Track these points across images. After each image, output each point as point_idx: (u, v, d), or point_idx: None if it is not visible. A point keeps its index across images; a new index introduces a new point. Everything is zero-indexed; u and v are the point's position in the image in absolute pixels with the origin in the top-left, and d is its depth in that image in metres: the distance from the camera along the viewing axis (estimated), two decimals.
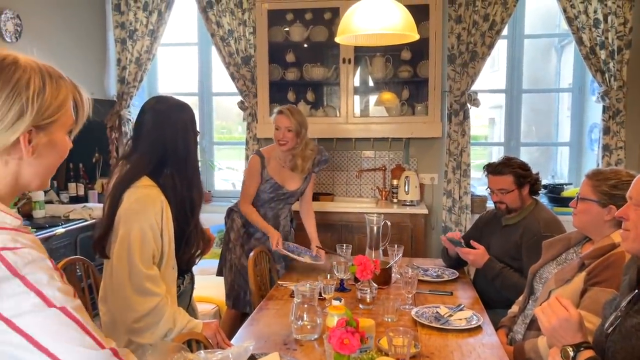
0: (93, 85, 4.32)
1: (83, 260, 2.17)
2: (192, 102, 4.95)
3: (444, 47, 3.97)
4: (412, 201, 3.91)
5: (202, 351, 1.01)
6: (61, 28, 3.87)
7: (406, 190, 3.91)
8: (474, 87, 4.03)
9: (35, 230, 2.96)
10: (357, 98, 4.13)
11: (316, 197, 4.09)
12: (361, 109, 4.20)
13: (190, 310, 2.02)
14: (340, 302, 1.81)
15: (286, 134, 2.88)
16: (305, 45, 4.17)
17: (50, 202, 3.74)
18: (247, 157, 4.27)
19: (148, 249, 1.69)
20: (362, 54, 4.04)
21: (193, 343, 1.65)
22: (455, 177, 4.07)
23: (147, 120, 1.82)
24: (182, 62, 4.95)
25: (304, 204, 3.18)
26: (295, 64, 4.16)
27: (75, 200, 3.95)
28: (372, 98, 4.23)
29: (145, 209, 1.71)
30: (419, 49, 3.92)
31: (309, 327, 1.79)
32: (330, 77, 4.13)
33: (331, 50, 4.13)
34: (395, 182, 4.05)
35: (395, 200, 4.03)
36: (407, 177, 3.93)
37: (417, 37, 2.12)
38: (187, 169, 1.83)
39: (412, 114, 4.04)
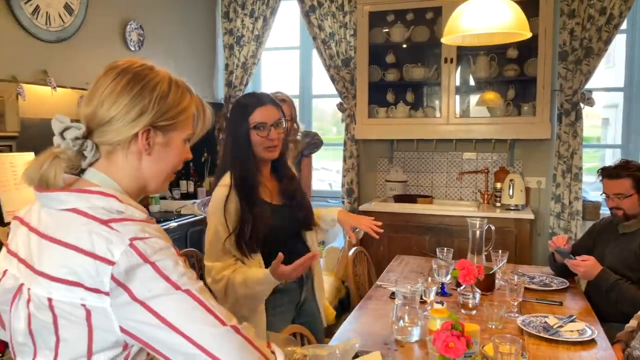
0: (203, 89, 4.60)
1: (196, 252, 2.32)
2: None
3: (555, 43, 3.76)
4: (516, 205, 3.74)
5: (311, 346, 1.04)
6: (177, 36, 4.16)
7: (510, 194, 3.75)
8: (587, 86, 3.78)
9: None
10: (458, 98, 4.03)
11: (414, 199, 4.05)
12: (463, 110, 4.09)
13: None
14: (442, 305, 1.78)
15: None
16: (406, 46, 4.15)
17: (164, 197, 4.04)
18: (344, 158, 4.33)
19: (217, 246, 1.82)
20: (465, 53, 3.94)
21: (297, 336, 1.71)
22: (565, 181, 3.84)
23: None
24: (283, 66, 5.11)
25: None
26: (395, 65, 4.15)
27: (185, 196, 4.22)
28: (474, 98, 4.11)
29: (216, 208, 1.84)
30: (527, 47, 3.75)
31: (409, 328, 1.78)
32: (430, 77, 4.06)
33: (432, 50, 4.07)
34: (498, 185, 3.90)
35: (498, 204, 3.88)
36: (511, 180, 3.77)
37: (529, 35, 2.02)
38: (233, 165, 1.89)
39: (518, 115, 3.87)
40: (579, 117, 3.80)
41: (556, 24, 3.74)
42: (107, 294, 0.88)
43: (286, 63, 5.07)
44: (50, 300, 0.90)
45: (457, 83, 4.02)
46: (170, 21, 4.05)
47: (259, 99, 1.91)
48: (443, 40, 1.95)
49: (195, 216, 3.66)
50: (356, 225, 2.13)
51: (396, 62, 4.15)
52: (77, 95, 3.09)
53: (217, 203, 1.85)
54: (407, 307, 1.77)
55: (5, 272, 1.00)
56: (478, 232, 2.55)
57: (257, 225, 1.81)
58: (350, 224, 2.13)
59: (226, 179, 1.88)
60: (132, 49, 3.50)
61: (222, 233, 1.82)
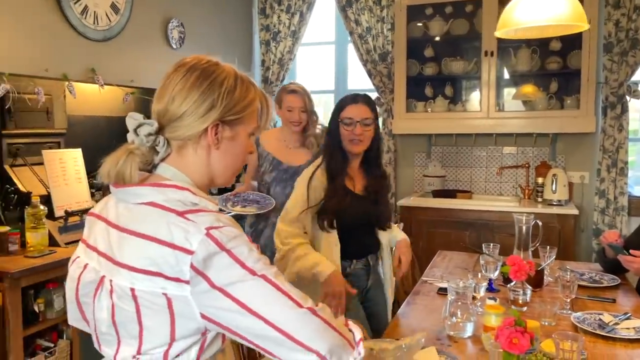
0: None
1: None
2: (329, 99, 5.10)
3: (600, 35, 3.66)
4: (559, 201, 3.67)
5: (377, 340, 1.05)
6: (215, 33, 4.21)
7: (553, 189, 3.68)
8: (634, 78, 3.68)
9: None
10: (498, 92, 3.96)
11: (453, 194, 4.01)
12: (503, 103, 4.02)
13: None
14: (495, 301, 1.77)
15: (301, 115, 2.76)
16: (444, 39, 4.10)
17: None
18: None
19: (293, 213, 2.10)
20: (506, 46, 3.87)
21: None
22: (610, 176, 3.75)
23: None
24: (318, 61, 5.12)
25: None
26: (433, 59, 4.11)
27: (223, 190, 4.26)
28: (515, 92, 4.04)
29: (301, 182, 2.15)
30: (570, 38, 3.65)
31: (461, 324, 1.77)
32: (470, 70, 4.01)
33: (472, 43, 4.02)
34: (540, 180, 3.83)
35: (539, 199, 3.81)
36: (554, 175, 3.70)
37: (586, 27, 1.96)
38: (325, 150, 2.20)
39: (561, 108, 3.79)
40: (624, 110, 3.70)
41: (601, 15, 3.65)
42: (187, 282, 0.91)
43: (320, 58, 5.08)
44: (132, 290, 0.93)
45: (497, 76, 3.96)
46: (209, 18, 4.09)
47: (353, 98, 2.13)
48: (496, 33, 1.92)
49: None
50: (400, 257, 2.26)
51: (435, 55, 4.11)
52: (123, 92, 3.16)
53: (303, 178, 2.14)
54: (459, 303, 1.76)
55: (85, 266, 1.03)
56: (524, 228, 2.52)
57: (332, 205, 2.07)
58: (398, 256, 2.26)
59: (319, 159, 2.18)
60: (174, 46, 3.55)
61: (301, 203, 2.08)
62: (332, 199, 2.08)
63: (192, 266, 0.90)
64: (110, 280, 0.97)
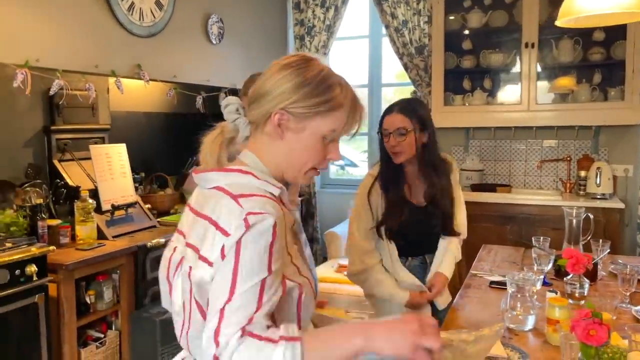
0: None
1: None
2: (363, 94, 5.09)
3: None
4: (603, 194, 3.60)
5: (456, 331, 1.05)
6: (252, 28, 4.23)
7: (597, 182, 3.61)
8: None
9: None
10: (539, 84, 3.90)
11: (493, 188, 3.97)
12: (543, 95, 3.96)
13: None
14: (556, 294, 1.74)
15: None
16: (482, 32, 4.05)
17: None
18: None
19: (357, 223, 2.15)
20: (547, 37, 3.81)
21: None
22: None
23: None
24: (350, 55, 5.10)
25: None
26: (471, 51, 4.06)
27: None
28: (555, 84, 3.96)
29: (360, 193, 2.17)
30: (615, 29, 3.55)
31: (521, 317, 1.75)
32: (509, 63, 3.96)
33: (511, 34, 3.96)
34: (582, 173, 3.76)
35: (582, 192, 3.75)
36: (598, 168, 3.63)
37: None
38: (380, 162, 2.19)
39: (605, 100, 3.71)
40: None
41: None
42: (210, 264, 0.93)
43: (353, 52, 5.06)
44: (190, 269, 0.97)
45: (538, 68, 3.89)
46: (246, 13, 4.12)
47: (389, 107, 2.12)
48: (557, 22, 1.89)
49: None
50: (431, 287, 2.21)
51: (472, 48, 4.06)
52: (167, 87, 3.19)
53: (362, 189, 2.15)
54: (519, 296, 1.74)
55: (175, 248, 1.08)
56: (575, 221, 2.48)
57: (391, 220, 2.06)
58: (431, 285, 2.20)
59: (375, 168, 2.17)
60: (214, 42, 3.58)
61: (363, 215, 2.11)
62: (389, 212, 2.08)
63: (222, 249, 0.91)
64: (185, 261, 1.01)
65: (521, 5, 3.77)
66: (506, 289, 2.16)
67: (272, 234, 0.92)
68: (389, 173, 2.11)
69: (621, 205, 3.46)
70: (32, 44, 2.34)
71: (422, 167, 2.12)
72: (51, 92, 2.49)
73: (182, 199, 3.43)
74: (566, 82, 3.84)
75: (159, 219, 3.21)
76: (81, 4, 2.60)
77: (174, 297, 1.03)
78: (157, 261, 2.32)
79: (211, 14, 3.56)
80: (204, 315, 0.95)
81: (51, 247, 2.36)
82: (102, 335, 2.70)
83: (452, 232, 2.22)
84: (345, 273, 2.44)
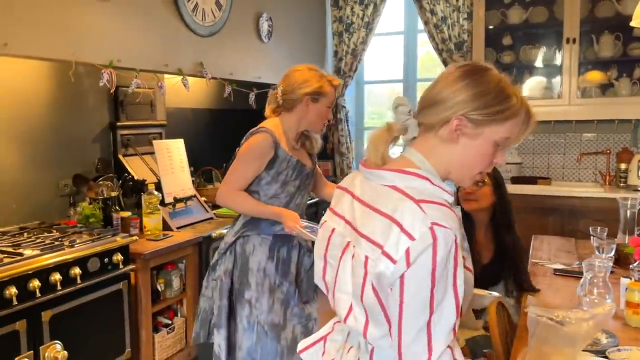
0: None
1: None
2: (397, 90, 5.18)
3: None
4: None
5: (561, 311, 1.13)
6: (295, 26, 4.32)
7: (639, 174, 3.69)
8: None
9: None
10: (579, 79, 3.97)
11: (534, 180, 4.05)
12: (583, 90, 4.03)
13: None
14: (631, 279, 1.84)
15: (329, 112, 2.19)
16: (522, 27, 4.12)
17: None
18: None
19: None
20: (588, 32, 3.88)
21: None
22: None
23: None
24: (384, 50, 5.17)
25: (321, 180, 2.43)
26: (511, 47, 4.14)
27: None
28: (595, 78, 4.03)
29: None
30: None
31: (596, 301, 1.85)
32: (549, 58, 4.03)
33: (551, 30, 4.03)
34: (622, 166, 3.84)
35: (622, 184, 3.83)
36: (639, 160, 3.70)
37: None
38: None
39: None
40: None
41: None
42: (394, 262, 1.00)
43: (387, 48, 5.14)
44: (366, 258, 1.05)
45: (578, 63, 3.96)
46: (291, 12, 4.21)
47: None
48: (632, 23, 1.97)
49: None
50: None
51: (512, 44, 4.13)
52: (225, 85, 3.30)
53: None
54: (596, 281, 1.84)
55: (333, 230, 1.17)
56: (629, 213, 2.58)
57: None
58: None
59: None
60: (264, 40, 3.68)
61: None
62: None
63: (407, 251, 0.99)
64: (354, 247, 1.10)
65: (561, 1, 3.84)
66: (571, 276, 2.28)
67: (454, 248, 1.01)
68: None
69: None
70: (113, 45, 2.46)
71: (493, 226, 2.10)
72: (129, 90, 2.62)
73: None
74: (595, 76, 3.90)
75: (214, 212, 3.33)
76: (152, 5, 2.71)
77: (342, 276, 1.12)
78: None
79: (262, 12, 3.67)
80: (380, 303, 1.05)
81: (134, 237, 2.48)
82: (170, 322, 2.83)
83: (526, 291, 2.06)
84: None
